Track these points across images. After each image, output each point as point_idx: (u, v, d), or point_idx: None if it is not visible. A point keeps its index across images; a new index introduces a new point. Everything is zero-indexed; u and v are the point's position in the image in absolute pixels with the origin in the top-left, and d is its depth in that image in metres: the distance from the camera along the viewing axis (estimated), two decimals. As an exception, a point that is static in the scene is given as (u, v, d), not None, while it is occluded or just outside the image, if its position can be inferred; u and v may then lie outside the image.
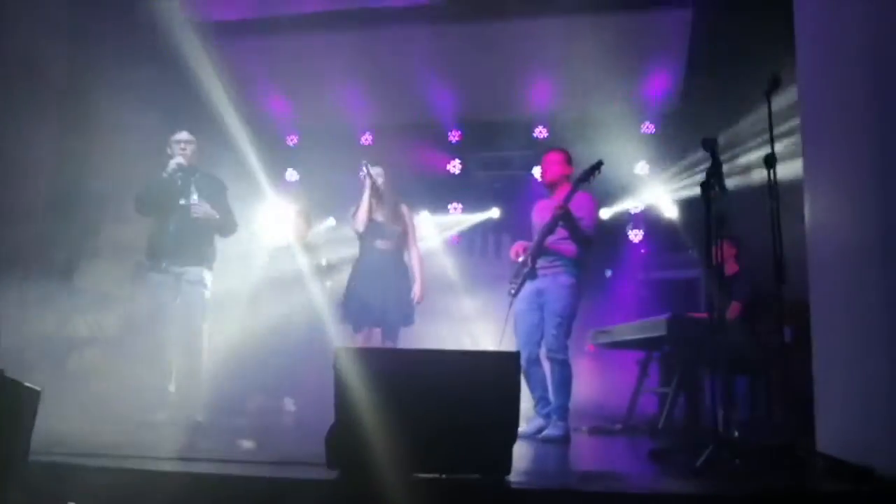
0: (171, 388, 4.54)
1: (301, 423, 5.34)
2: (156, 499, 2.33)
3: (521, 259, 4.66)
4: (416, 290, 5.11)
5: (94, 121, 6.54)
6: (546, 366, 4.53)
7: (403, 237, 5.19)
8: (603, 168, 4.54)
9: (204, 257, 4.71)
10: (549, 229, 4.48)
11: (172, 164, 4.67)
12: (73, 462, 2.51)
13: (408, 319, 5.08)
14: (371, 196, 5.14)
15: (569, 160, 4.73)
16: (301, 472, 2.54)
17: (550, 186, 4.72)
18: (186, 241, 4.62)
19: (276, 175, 8.67)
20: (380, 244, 5.10)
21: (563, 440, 4.30)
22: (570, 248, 4.50)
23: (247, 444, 3.79)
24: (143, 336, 4.95)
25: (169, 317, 4.59)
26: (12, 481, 1.93)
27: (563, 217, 4.39)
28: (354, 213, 5.17)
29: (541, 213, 4.69)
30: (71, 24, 6.29)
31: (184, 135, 4.83)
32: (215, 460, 2.82)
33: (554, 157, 4.71)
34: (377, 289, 4.99)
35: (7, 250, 4.96)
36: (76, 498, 2.31)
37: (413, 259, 5.23)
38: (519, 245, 4.74)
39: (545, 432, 4.35)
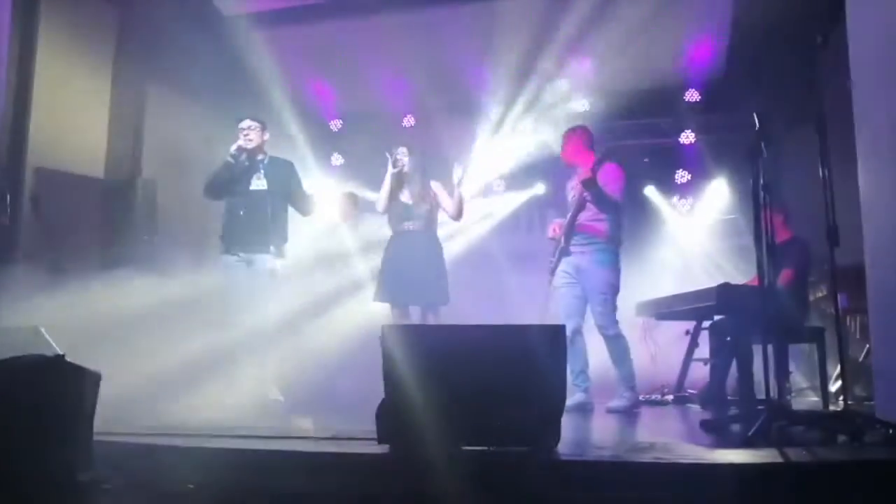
0: (239, 369, 4.63)
1: (355, 399, 5.43)
2: (214, 474, 2.42)
3: (554, 236, 4.72)
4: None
5: (143, 108, 6.73)
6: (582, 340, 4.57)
7: (432, 216, 5.19)
8: (648, 139, 4.58)
9: (273, 243, 4.75)
10: (580, 205, 4.52)
11: (232, 147, 4.75)
12: (138, 441, 2.62)
13: (439, 300, 5.07)
14: (394, 177, 5.15)
15: (586, 139, 4.79)
16: (352, 447, 2.60)
17: (571, 167, 4.78)
18: (255, 226, 4.71)
19: (322, 159, 8.80)
20: (408, 225, 5.13)
21: (629, 409, 4.33)
22: (601, 227, 4.54)
23: (299, 421, 3.88)
24: (208, 316, 5.10)
25: (237, 299, 4.70)
26: (78, 462, 2.02)
27: (589, 184, 4.41)
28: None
29: (572, 190, 4.75)
30: (118, 18, 6.45)
31: (245, 122, 4.85)
32: (268, 437, 2.91)
33: (569, 137, 4.78)
34: (407, 268, 5.01)
35: (65, 234, 5.13)
36: (142, 475, 2.42)
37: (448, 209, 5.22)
38: (556, 223, 4.79)
39: (611, 403, 4.39)
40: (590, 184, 4.40)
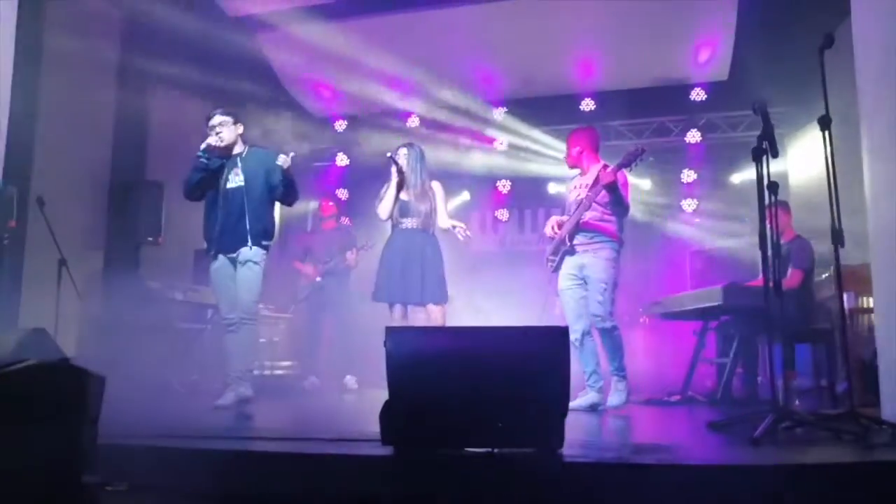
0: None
1: (360, 400, 5.44)
2: (218, 476, 2.43)
3: (555, 235, 4.71)
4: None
5: (147, 114, 6.75)
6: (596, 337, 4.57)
7: (430, 215, 5.11)
8: (653, 138, 4.56)
9: (254, 235, 4.52)
10: (586, 206, 4.51)
11: (202, 146, 4.50)
12: (142, 444, 2.62)
13: (439, 297, 5.00)
14: (397, 182, 5.08)
15: (593, 140, 4.77)
16: (356, 449, 2.60)
17: (575, 168, 4.79)
18: (233, 225, 4.51)
19: (327, 160, 8.85)
20: (406, 223, 5.06)
21: (627, 400, 4.41)
22: (609, 227, 4.54)
23: (303, 421, 3.88)
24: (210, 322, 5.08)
25: (229, 301, 4.53)
26: (83, 465, 2.03)
27: (612, 188, 4.40)
28: (379, 201, 5.13)
29: (575, 191, 4.74)
30: (123, 21, 6.48)
31: (215, 118, 4.61)
32: (271, 438, 2.91)
33: (573, 142, 4.77)
34: (403, 266, 4.96)
35: (72, 241, 5.14)
36: (145, 477, 2.43)
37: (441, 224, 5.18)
38: (555, 221, 4.78)
39: (609, 401, 4.39)
40: (613, 187, 4.42)
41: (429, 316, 4.98)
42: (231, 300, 4.54)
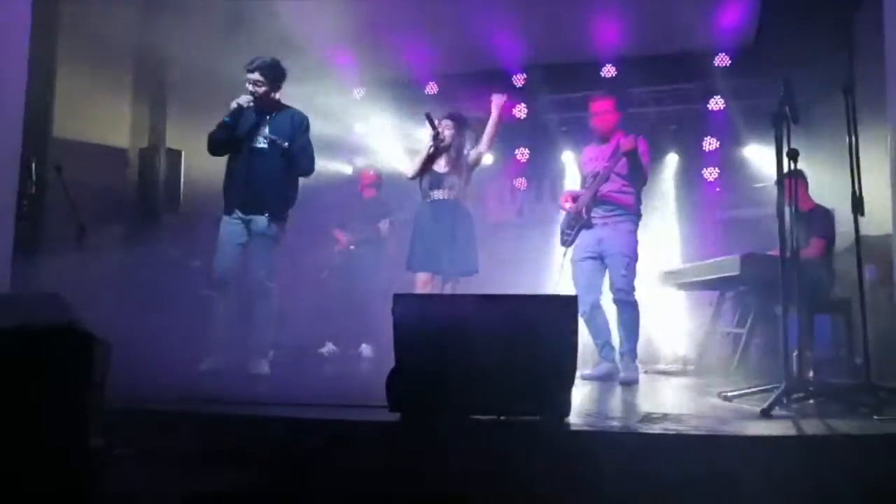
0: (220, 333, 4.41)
1: (374, 367, 5.48)
2: (224, 441, 2.46)
3: (570, 208, 4.65)
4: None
5: (166, 76, 6.74)
6: (608, 311, 4.53)
7: (463, 184, 5.08)
8: (675, 105, 4.51)
9: (272, 205, 4.37)
10: (605, 177, 4.46)
11: (233, 104, 4.33)
12: (150, 408, 2.66)
13: (468, 268, 5.00)
14: (433, 147, 5.06)
15: (619, 105, 4.72)
16: (363, 415, 2.62)
17: (604, 136, 4.70)
18: (254, 186, 4.33)
19: (346, 129, 8.79)
20: (436, 194, 5.04)
21: (637, 381, 4.32)
22: (628, 199, 4.50)
23: (314, 388, 3.88)
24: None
25: (229, 260, 4.38)
26: (89, 429, 2.05)
27: (633, 155, 4.35)
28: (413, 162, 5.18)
29: (592, 162, 4.65)
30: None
31: (254, 74, 4.35)
32: (278, 403, 2.94)
33: (606, 105, 4.67)
34: (434, 236, 4.93)
35: (92, 208, 5.16)
36: (154, 441, 2.46)
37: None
38: (567, 194, 4.74)
39: (622, 376, 4.36)
40: (633, 154, 4.37)
41: (454, 287, 4.98)
42: (230, 263, 4.38)
